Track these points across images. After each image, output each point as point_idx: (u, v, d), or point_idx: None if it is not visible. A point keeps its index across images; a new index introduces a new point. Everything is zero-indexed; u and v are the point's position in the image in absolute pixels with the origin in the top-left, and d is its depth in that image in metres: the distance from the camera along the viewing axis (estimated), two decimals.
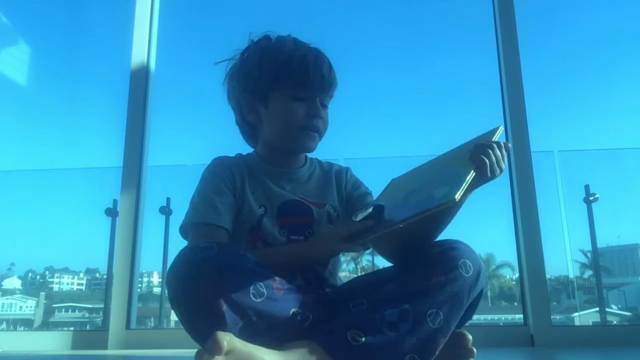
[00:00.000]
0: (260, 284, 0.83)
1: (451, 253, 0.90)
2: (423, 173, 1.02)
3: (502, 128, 0.93)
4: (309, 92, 1.09)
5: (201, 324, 0.82)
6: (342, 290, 1.07)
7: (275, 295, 0.84)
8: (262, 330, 0.83)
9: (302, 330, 0.86)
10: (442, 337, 0.87)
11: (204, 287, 0.80)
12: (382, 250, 1.06)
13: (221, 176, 1.09)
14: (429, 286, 0.87)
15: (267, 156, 1.15)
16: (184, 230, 1.07)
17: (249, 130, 1.18)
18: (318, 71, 1.08)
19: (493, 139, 0.91)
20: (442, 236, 0.98)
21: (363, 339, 0.83)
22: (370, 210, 0.95)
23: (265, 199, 1.09)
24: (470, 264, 0.89)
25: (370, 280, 1.02)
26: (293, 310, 0.86)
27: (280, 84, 1.08)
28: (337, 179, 1.18)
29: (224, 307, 0.80)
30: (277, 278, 0.87)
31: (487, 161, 0.88)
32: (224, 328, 0.79)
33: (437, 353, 0.88)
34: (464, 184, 0.83)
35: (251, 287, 0.82)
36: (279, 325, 0.84)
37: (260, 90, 1.10)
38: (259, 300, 0.82)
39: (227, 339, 0.76)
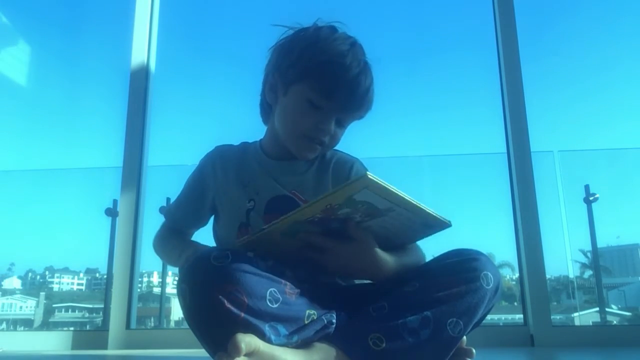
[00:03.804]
0: (274, 289, 0.82)
1: (473, 264, 0.90)
2: None
3: (367, 180, 0.79)
4: (328, 105, 1.02)
5: (218, 332, 0.79)
6: (357, 288, 1.04)
7: (289, 300, 0.84)
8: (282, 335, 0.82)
9: (323, 334, 0.86)
10: (457, 343, 0.89)
11: (221, 296, 0.78)
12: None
13: (197, 177, 1.15)
14: (451, 295, 0.87)
15: (269, 146, 1.14)
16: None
17: (265, 107, 1.15)
18: (349, 89, 1.00)
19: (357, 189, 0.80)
20: (458, 245, 0.96)
21: (384, 344, 0.84)
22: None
23: (255, 192, 1.09)
24: (491, 277, 0.90)
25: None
26: (308, 311, 0.85)
27: (306, 81, 1.01)
28: (334, 172, 1.13)
29: (242, 315, 0.79)
30: (287, 283, 0.86)
31: None
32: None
33: (450, 355, 0.89)
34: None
35: (267, 294, 0.81)
36: (297, 329, 0.83)
37: (287, 76, 1.04)
38: (275, 306, 0.81)
39: (247, 340, 0.76)
